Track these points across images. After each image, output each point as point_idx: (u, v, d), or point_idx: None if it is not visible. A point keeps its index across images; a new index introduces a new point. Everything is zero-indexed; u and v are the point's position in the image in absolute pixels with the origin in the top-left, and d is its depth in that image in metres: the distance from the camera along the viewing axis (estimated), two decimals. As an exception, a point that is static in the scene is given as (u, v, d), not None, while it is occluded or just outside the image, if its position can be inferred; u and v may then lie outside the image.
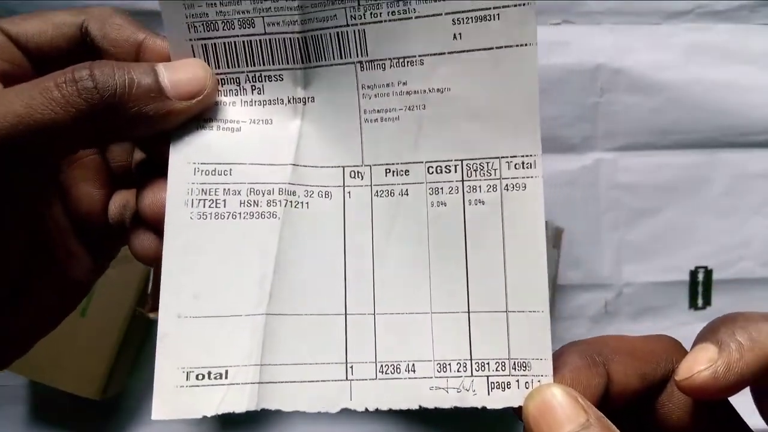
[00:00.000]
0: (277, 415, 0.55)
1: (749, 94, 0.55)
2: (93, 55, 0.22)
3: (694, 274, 0.56)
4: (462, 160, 0.21)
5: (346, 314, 0.21)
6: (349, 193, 0.22)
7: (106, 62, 0.20)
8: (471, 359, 0.20)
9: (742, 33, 0.55)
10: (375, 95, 0.21)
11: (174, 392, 0.20)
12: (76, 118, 0.19)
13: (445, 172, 0.21)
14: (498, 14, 0.19)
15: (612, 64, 0.54)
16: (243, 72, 0.22)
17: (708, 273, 0.56)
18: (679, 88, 0.54)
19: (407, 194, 0.21)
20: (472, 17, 0.20)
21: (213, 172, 0.21)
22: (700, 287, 0.56)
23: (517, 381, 0.20)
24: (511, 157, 0.20)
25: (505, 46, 0.20)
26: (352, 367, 0.20)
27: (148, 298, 0.45)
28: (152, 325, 0.55)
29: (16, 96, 0.19)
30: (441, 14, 0.20)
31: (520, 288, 0.20)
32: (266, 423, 0.55)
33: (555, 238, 0.50)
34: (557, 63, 0.54)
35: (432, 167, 0.21)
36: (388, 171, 0.21)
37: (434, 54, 0.20)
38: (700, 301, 0.56)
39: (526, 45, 0.20)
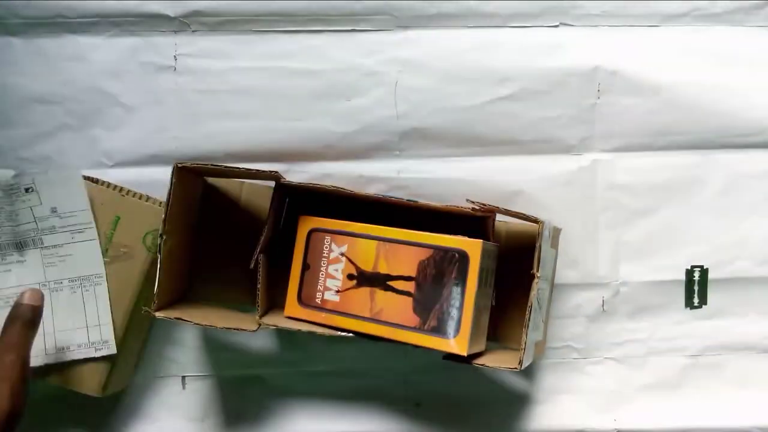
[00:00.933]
0: (280, 412, 0.56)
1: (744, 95, 0.55)
2: None
3: (690, 273, 0.56)
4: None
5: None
6: (51, 289, 0.51)
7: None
8: (88, 341, 0.50)
9: (737, 35, 0.55)
10: (48, 266, 0.51)
11: None
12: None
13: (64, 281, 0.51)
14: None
15: (609, 66, 0.55)
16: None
17: (704, 272, 0.56)
18: (675, 90, 0.55)
19: (62, 290, 0.51)
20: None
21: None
22: (696, 286, 0.56)
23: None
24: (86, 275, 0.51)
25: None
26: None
27: (154, 297, 0.46)
28: (156, 324, 0.56)
29: None
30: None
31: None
32: (267, 420, 0.56)
33: (553, 237, 0.50)
34: (555, 65, 0.55)
35: (70, 279, 0.51)
36: (56, 282, 0.51)
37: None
38: (696, 300, 0.56)
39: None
